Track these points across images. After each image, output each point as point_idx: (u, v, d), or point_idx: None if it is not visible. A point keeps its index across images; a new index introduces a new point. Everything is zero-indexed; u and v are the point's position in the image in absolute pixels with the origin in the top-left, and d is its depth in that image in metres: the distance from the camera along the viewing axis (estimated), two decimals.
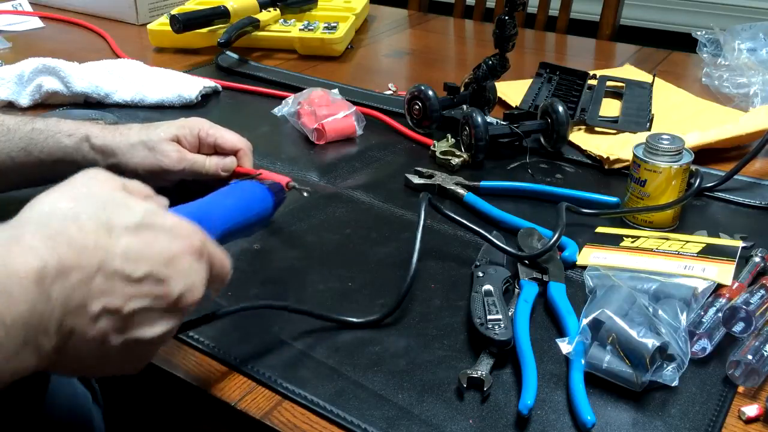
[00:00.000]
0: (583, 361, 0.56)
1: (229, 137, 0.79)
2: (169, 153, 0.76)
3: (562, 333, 0.61)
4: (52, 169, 0.75)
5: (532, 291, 0.64)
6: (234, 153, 0.79)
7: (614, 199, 0.79)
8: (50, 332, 0.40)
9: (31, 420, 0.56)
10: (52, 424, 0.59)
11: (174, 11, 1.28)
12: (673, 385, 0.55)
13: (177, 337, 0.61)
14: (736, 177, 0.84)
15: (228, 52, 1.25)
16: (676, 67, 1.26)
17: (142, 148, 0.75)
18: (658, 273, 0.65)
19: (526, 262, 0.68)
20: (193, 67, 1.22)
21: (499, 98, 1.06)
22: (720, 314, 0.60)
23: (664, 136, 0.75)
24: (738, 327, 0.59)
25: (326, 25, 1.33)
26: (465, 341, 0.61)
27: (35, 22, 1.47)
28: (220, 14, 1.30)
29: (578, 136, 0.96)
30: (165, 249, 0.45)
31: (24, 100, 1.04)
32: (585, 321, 0.57)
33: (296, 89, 1.06)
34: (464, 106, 0.97)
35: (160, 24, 1.33)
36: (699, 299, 0.62)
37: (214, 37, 1.28)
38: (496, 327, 0.58)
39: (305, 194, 0.75)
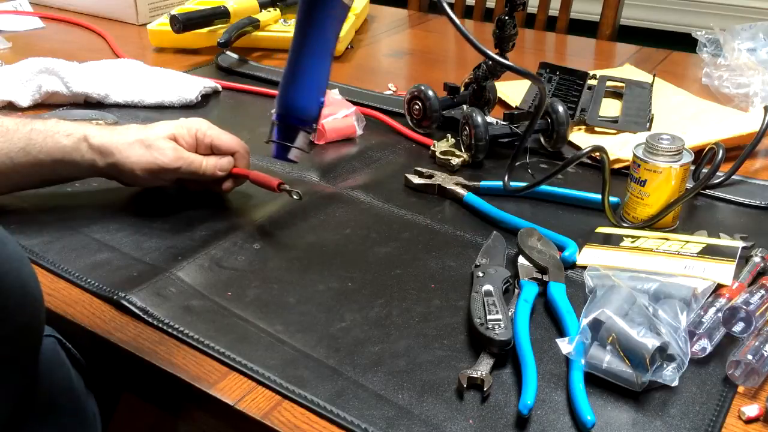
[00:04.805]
0: (583, 361, 0.56)
1: (225, 138, 0.80)
2: (166, 151, 0.76)
3: (562, 333, 0.61)
4: (52, 170, 0.75)
5: (532, 291, 0.64)
6: (231, 154, 0.79)
7: (614, 199, 0.79)
8: None
9: (26, 403, 0.56)
10: (46, 407, 0.59)
11: (174, 11, 1.28)
12: (673, 385, 0.55)
13: (177, 337, 0.61)
14: (736, 177, 0.85)
15: (228, 52, 1.25)
16: (676, 67, 1.26)
17: (139, 146, 0.75)
18: (658, 273, 0.65)
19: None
20: (193, 67, 1.22)
21: (499, 98, 1.06)
22: (720, 314, 0.60)
23: (664, 136, 0.75)
24: (738, 327, 0.59)
25: None
26: (465, 341, 0.61)
27: (35, 22, 1.47)
28: (220, 14, 1.30)
29: (578, 136, 0.96)
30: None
31: (24, 100, 1.04)
32: (585, 321, 0.57)
33: None
34: (464, 106, 0.97)
35: (160, 24, 1.33)
36: (699, 299, 0.62)
37: (214, 37, 1.28)
38: (496, 327, 0.58)
39: (295, 197, 0.76)
